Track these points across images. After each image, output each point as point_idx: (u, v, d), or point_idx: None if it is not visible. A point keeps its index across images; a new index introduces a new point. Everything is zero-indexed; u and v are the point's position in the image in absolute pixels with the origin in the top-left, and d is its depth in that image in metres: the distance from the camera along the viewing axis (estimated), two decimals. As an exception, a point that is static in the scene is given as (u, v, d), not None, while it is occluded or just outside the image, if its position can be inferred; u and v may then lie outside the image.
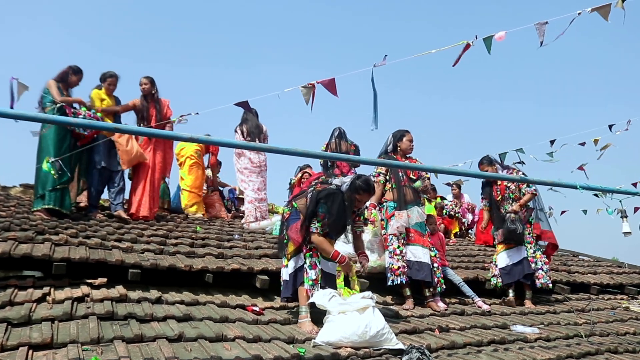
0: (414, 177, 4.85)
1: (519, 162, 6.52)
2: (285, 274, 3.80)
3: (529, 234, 5.32)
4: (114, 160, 5.88)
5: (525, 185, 5.27)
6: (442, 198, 9.22)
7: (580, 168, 4.58)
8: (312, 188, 3.81)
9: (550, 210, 6.01)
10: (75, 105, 5.47)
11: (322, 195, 3.65)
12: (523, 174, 4.96)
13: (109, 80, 5.96)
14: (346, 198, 3.69)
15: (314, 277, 3.61)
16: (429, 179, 5.29)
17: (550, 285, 5.21)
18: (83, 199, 6.10)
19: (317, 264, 3.65)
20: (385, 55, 2.81)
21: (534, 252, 5.29)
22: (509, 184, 5.39)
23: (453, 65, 2.77)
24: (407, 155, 4.91)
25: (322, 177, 3.97)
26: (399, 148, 4.89)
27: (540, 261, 5.24)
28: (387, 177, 4.89)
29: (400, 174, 4.86)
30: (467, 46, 2.71)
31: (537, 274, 5.17)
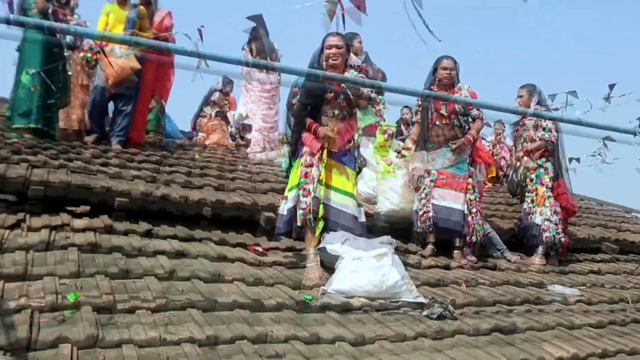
0: (445, 114, 4.57)
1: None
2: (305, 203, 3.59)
3: (531, 181, 5.17)
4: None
5: (542, 129, 5.03)
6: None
7: None
8: None
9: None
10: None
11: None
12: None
13: None
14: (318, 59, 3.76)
15: (304, 207, 3.52)
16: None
17: (555, 241, 4.95)
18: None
19: (311, 191, 3.55)
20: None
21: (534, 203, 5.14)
22: (527, 120, 5.17)
23: None
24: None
25: None
26: (436, 79, 4.66)
27: (550, 210, 5.01)
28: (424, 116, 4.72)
29: (430, 111, 4.67)
30: None
31: (542, 227, 5.02)
